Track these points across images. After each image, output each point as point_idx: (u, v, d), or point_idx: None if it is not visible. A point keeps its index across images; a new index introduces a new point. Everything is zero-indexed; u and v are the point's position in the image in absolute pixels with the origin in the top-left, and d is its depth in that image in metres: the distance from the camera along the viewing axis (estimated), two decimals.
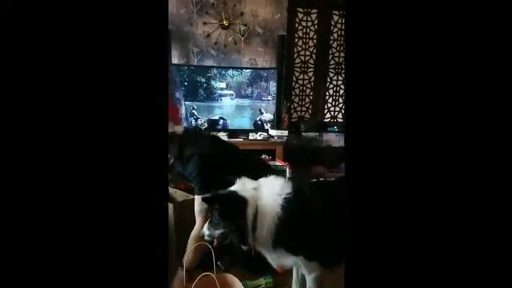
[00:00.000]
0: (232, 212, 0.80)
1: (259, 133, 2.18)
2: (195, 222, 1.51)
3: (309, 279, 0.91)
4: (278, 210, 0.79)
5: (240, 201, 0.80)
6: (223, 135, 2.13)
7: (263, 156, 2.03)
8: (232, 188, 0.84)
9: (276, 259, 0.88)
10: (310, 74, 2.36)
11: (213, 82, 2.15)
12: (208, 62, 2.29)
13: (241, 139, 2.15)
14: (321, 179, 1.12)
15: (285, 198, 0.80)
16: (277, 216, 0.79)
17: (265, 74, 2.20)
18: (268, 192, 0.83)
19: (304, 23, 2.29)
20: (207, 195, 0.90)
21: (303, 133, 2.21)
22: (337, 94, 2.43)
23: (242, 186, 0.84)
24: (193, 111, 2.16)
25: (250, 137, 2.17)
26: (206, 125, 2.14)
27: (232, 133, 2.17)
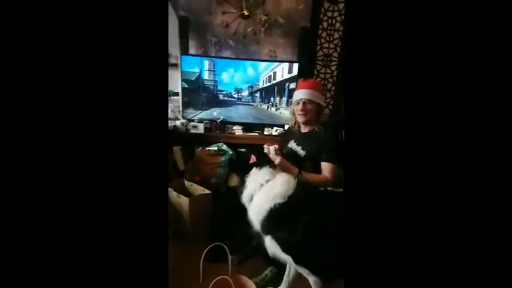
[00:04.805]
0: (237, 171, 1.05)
1: (275, 128, 2.09)
2: (210, 215, 1.51)
3: (310, 281, 0.93)
4: (264, 213, 0.90)
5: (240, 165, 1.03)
6: (238, 129, 2.07)
7: None
8: (253, 170, 0.98)
9: (269, 248, 0.93)
10: (333, 68, 2.23)
11: None
12: (226, 53, 2.22)
13: (257, 133, 2.08)
14: (329, 188, 1.11)
15: (274, 205, 0.88)
16: (263, 215, 0.90)
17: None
18: (264, 194, 0.92)
19: (330, 14, 2.15)
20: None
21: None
22: None
23: (255, 174, 0.97)
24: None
25: (265, 132, 2.09)
26: (221, 117, 2.08)
27: (248, 127, 2.10)
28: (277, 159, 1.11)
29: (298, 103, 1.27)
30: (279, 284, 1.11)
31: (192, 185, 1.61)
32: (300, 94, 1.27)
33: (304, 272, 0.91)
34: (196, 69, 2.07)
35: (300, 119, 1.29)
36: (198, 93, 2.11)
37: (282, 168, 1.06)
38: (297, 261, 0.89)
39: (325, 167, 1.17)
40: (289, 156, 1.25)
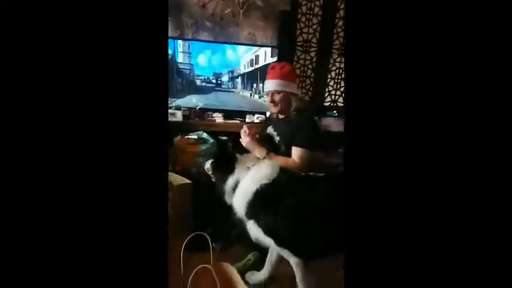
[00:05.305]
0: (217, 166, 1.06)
1: (256, 115, 2.07)
2: (191, 206, 1.48)
3: (292, 262, 0.96)
4: (250, 195, 0.93)
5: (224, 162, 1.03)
6: (218, 117, 2.01)
7: None
8: (238, 156, 1.02)
9: (252, 232, 0.96)
10: (313, 54, 2.22)
11: None
12: (203, 35, 2.09)
13: (238, 121, 2.04)
14: (311, 173, 1.16)
15: (260, 185, 0.93)
16: (248, 198, 0.93)
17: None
18: (250, 176, 0.96)
19: None
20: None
21: None
22: (339, 77, 2.31)
23: (243, 159, 1.01)
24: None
25: (247, 119, 2.06)
26: (200, 104, 2.00)
27: (228, 114, 2.05)
28: (245, 140, 1.18)
29: (268, 94, 1.26)
30: (262, 268, 1.14)
31: (171, 175, 1.55)
32: (268, 85, 1.25)
33: (286, 253, 0.95)
34: (169, 51, 1.94)
35: (272, 109, 1.30)
36: (172, 78, 1.98)
37: (250, 149, 1.15)
38: (279, 243, 0.93)
39: (295, 151, 1.19)
40: (266, 141, 1.26)
